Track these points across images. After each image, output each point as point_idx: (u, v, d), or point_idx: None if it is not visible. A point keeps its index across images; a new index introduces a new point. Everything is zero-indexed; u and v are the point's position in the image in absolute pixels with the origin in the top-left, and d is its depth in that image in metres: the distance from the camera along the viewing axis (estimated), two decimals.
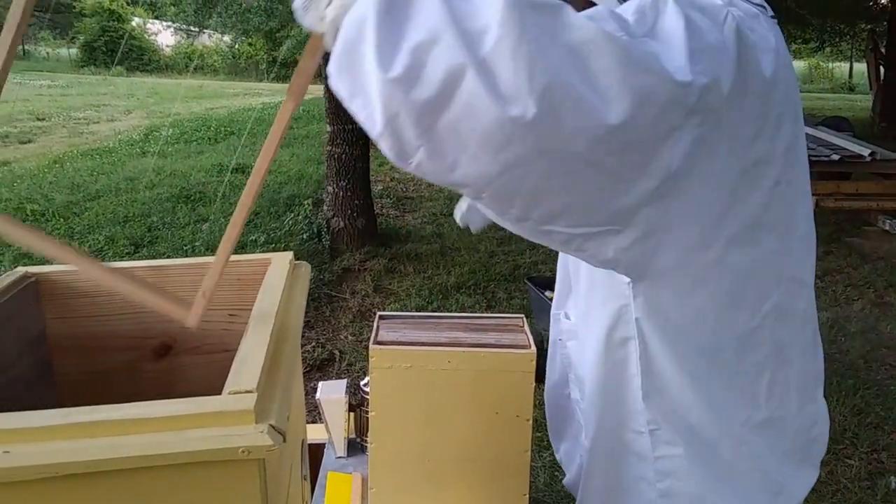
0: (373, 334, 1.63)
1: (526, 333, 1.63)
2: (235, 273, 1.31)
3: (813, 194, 4.22)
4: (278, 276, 1.19)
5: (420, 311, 1.88)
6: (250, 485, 0.71)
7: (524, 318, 1.71)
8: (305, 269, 1.33)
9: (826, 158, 5.80)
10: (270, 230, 5.99)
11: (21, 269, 1.24)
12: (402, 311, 2.18)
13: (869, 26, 14.73)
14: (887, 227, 5.88)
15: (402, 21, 0.66)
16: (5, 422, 0.70)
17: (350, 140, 5.54)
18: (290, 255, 1.31)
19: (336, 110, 5.47)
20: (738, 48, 0.79)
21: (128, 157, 9.60)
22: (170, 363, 1.30)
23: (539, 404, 1.58)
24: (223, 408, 0.71)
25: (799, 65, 33.52)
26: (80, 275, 1.24)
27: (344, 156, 5.57)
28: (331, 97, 5.45)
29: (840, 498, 2.57)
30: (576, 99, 0.67)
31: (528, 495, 1.68)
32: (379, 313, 1.75)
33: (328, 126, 5.59)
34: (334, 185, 5.66)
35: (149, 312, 1.28)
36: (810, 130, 6.39)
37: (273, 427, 0.71)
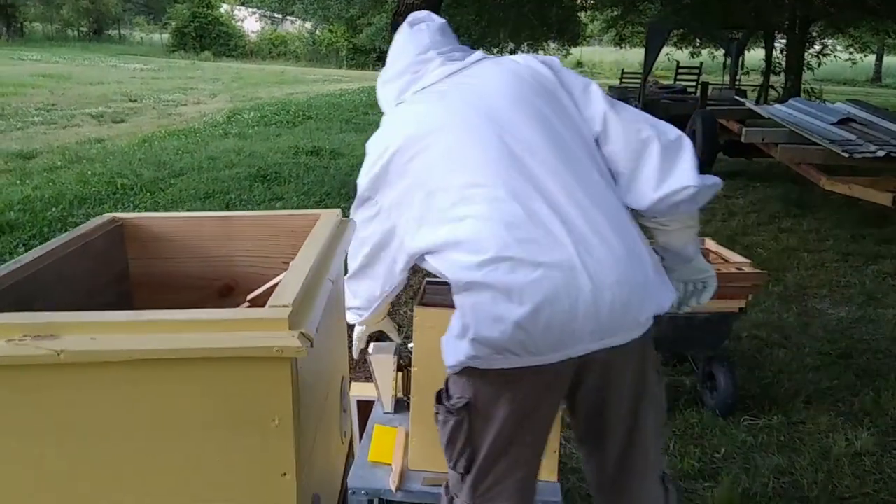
0: (418, 296, 1.76)
1: None
2: (290, 226, 1.47)
3: (889, 191, 4.09)
4: (325, 228, 1.34)
5: None
6: (283, 379, 0.86)
7: None
8: (351, 224, 1.48)
9: None
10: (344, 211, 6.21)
11: (108, 215, 1.44)
12: None
13: None
14: None
15: None
16: (93, 317, 0.87)
17: None
18: (337, 211, 1.46)
19: None
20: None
21: (211, 138, 10.06)
22: (232, 302, 1.47)
23: None
24: (264, 316, 0.87)
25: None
26: (158, 221, 1.43)
27: None
28: None
29: (881, 486, 2.55)
30: None
31: (558, 452, 1.79)
32: (427, 279, 1.88)
33: None
34: None
35: (216, 258, 1.46)
36: (888, 124, 6.13)
37: (303, 334, 0.85)
